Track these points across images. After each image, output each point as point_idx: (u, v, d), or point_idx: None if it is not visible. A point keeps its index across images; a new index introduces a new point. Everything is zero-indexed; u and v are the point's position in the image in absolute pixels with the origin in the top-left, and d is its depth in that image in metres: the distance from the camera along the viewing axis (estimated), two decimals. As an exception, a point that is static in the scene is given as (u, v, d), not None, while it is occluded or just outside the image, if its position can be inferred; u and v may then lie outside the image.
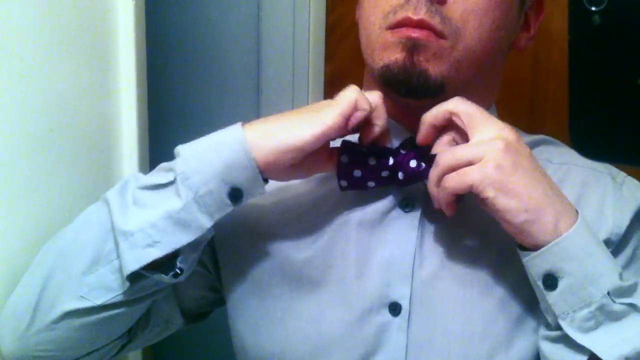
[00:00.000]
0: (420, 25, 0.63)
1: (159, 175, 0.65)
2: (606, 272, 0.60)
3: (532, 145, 0.74)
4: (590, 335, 0.59)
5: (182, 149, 0.65)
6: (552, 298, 0.60)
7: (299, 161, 0.64)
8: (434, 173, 0.63)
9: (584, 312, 0.59)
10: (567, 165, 0.73)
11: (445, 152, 0.63)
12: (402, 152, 0.67)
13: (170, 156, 0.67)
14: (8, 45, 0.69)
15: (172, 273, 0.65)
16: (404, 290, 0.68)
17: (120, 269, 0.64)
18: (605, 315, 0.59)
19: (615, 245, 0.68)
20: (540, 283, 0.61)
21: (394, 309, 0.68)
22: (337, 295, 0.70)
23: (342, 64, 1.29)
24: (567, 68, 0.95)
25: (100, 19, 0.82)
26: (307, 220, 0.73)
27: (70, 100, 0.78)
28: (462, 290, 0.68)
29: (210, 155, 0.63)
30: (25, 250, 0.73)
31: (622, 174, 0.73)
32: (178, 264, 0.65)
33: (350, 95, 0.63)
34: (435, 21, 0.63)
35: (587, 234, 0.61)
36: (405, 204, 0.70)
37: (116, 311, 0.67)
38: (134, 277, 0.64)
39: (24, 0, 0.70)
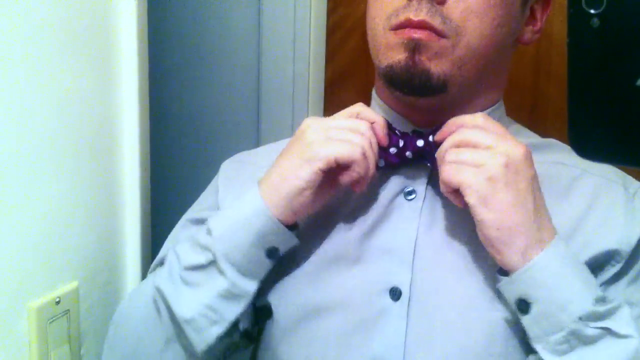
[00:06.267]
0: (421, 25, 0.65)
1: (196, 253, 0.70)
2: (577, 299, 0.60)
3: (543, 148, 0.75)
4: (564, 359, 0.60)
5: (213, 227, 0.69)
6: (526, 322, 0.62)
7: (314, 192, 0.67)
8: (439, 156, 0.66)
9: (557, 336, 0.60)
10: (581, 170, 0.72)
11: (454, 151, 0.65)
12: (409, 134, 0.71)
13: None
14: (10, 48, 0.69)
15: (239, 334, 0.71)
16: (405, 276, 0.69)
17: (192, 346, 0.69)
18: (578, 340, 0.60)
19: (625, 259, 0.67)
20: (514, 307, 0.62)
21: (394, 294, 0.69)
22: (339, 279, 0.71)
23: (343, 65, 1.29)
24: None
25: (102, 21, 0.82)
26: (321, 216, 0.74)
27: (72, 102, 0.78)
28: (461, 279, 0.69)
29: (242, 230, 0.68)
30: (26, 252, 0.73)
31: (636, 185, 0.72)
32: (241, 328, 0.71)
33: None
34: (436, 21, 0.65)
35: (559, 260, 0.61)
36: (409, 193, 0.72)
37: None
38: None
39: (26, 2, 0.70)
